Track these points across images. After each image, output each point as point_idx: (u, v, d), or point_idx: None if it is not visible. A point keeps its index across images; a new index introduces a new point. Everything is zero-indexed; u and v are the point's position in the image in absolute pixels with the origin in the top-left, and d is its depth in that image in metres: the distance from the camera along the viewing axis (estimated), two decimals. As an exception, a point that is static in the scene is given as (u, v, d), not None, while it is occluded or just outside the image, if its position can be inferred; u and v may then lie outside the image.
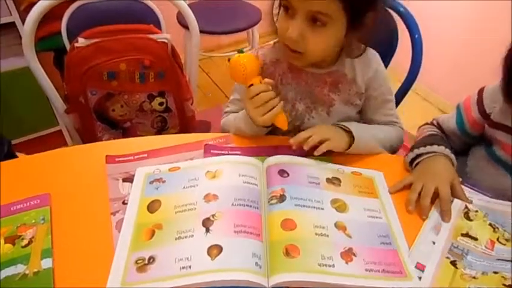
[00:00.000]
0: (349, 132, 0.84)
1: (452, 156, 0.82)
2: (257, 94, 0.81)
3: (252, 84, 0.82)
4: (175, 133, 1.32)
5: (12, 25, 1.58)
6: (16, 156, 0.86)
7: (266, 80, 0.82)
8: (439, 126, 0.95)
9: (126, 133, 1.27)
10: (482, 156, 0.87)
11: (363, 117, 0.96)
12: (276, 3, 0.82)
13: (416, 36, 1.08)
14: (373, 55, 0.91)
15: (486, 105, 0.84)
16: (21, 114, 1.76)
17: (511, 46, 0.74)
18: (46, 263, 0.61)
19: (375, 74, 0.91)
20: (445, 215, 0.72)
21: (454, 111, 0.92)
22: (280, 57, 0.91)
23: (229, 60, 0.78)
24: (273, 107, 0.81)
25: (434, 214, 0.73)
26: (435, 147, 0.82)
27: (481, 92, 0.86)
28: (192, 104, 1.30)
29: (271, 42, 0.95)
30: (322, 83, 0.89)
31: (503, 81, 0.76)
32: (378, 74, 0.91)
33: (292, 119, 0.93)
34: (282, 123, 0.84)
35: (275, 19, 0.83)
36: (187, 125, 1.32)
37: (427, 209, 0.73)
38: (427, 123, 0.98)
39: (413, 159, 0.83)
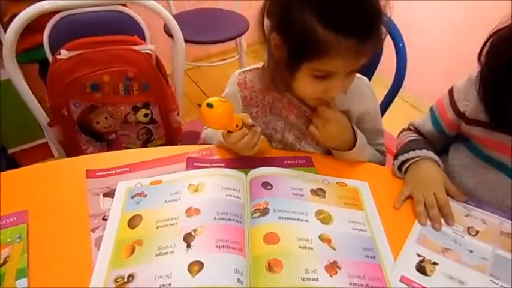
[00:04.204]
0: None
1: (437, 157, 0.83)
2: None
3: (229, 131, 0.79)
4: (162, 144, 1.31)
5: (-5, 37, 1.56)
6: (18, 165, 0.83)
7: (243, 118, 0.78)
8: (417, 130, 0.95)
9: (110, 145, 1.26)
10: (465, 155, 0.86)
11: None
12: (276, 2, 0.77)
13: (400, 45, 1.09)
14: (366, 88, 0.90)
15: (459, 105, 0.84)
16: (7, 127, 1.74)
17: (481, 70, 0.74)
18: (21, 284, 0.59)
19: (367, 109, 0.90)
20: (447, 218, 0.73)
21: (428, 114, 0.93)
22: (269, 86, 0.86)
23: (199, 105, 0.72)
24: (255, 144, 0.80)
25: (416, 226, 0.73)
26: (418, 152, 0.83)
27: (451, 92, 0.86)
28: (178, 115, 1.29)
29: (257, 66, 0.90)
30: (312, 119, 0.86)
31: (483, 102, 0.76)
32: (371, 109, 0.91)
33: (283, 147, 0.92)
34: (265, 149, 0.86)
35: (266, 32, 0.79)
36: (173, 136, 1.31)
37: (439, 217, 0.73)
38: (404, 129, 0.98)
39: (399, 166, 0.84)
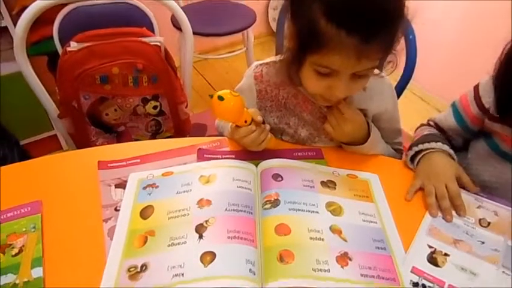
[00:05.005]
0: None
1: (451, 151, 0.83)
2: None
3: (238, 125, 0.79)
4: (170, 136, 1.31)
5: (4, 30, 1.57)
6: (31, 157, 0.84)
7: (253, 115, 0.78)
8: (437, 126, 0.95)
9: (120, 137, 1.26)
10: (483, 149, 0.86)
11: None
12: (273, 4, 0.78)
13: (411, 37, 1.08)
14: (386, 87, 0.88)
15: (484, 100, 0.83)
16: (17, 119, 1.75)
17: (501, 61, 0.75)
18: (36, 272, 0.60)
19: (385, 108, 0.89)
20: (459, 209, 0.73)
21: (449, 109, 0.92)
22: (285, 80, 0.84)
23: (211, 96, 0.72)
24: (261, 141, 0.80)
25: (427, 218, 0.73)
26: (433, 144, 0.83)
27: (476, 88, 0.86)
28: (186, 107, 1.29)
29: (275, 59, 0.89)
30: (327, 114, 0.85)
31: (495, 96, 0.78)
32: (389, 108, 0.90)
33: (295, 142, 0.92)
34: (272, 146, 0.85)
35: (271, 25, 0.78)
36: (182, 128, 1.31)
37: (450, 209, 0.73)
38: (423, 124, 0.98)
39: (412, 157, 0.84)
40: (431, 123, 0.97)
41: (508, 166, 0.81)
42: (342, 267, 0.61)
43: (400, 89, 1.15)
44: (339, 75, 0.69)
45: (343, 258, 0.63)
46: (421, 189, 0.78)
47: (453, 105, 0.92)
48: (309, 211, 0.70)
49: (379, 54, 0.68)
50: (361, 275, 0.61)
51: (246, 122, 0.77)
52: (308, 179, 0.77)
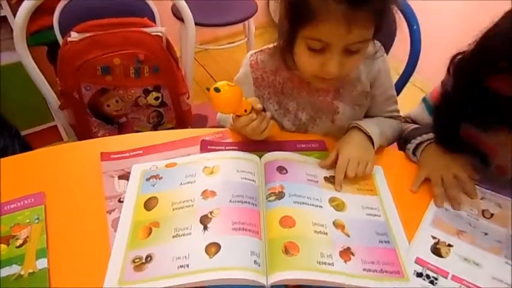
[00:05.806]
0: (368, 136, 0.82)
1: None
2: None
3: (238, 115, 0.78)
4: (172, 128, 1.31)
5: (4, 19, 1.55)
6: (32, 149, 0.84)
7: (253, 103, 0.77)
8: (414, 122, 0.96)
9: (121, 128, 1.26)
10: None
11: (366, 114, 0.94)
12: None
13: (415, 27, 1.07)
14: (376, 50, 0.87)
15: None
16: (16, 110, 1.74)
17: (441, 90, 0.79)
18: (41, 263, 0.61)
19: (378, 72, 0.88)
20: (471, 196, 0.74)
21: (422, 104, 0.93)
22: (280, 66, 0.86)
23: (208, 89, 0.71)
24: (264, 129, 0.80)
25: (431, 209, 0.73)
26: (430, 135, 0.83)
27: (444, 82, 0.86)
28: (188, 98, 1.29)
29: (269, 46, 0.89)
30: (325, 92, 0.87)
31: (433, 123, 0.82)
32: (382, 71, 0.89)
33: (296, 128, 0.92)
34: (275, 133, 0.85)
35: (272, 15, 0.78)
36: (183, 119, 1.31)
37: (458, 198, 0.74)
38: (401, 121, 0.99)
39: (413, 150, 0.84)
40: (408, 119, 0.97)
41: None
42: (345, 262, 0.61)
43: (404, 79, 1.15)
44: (331, 49, 0.69)
45: (346, 253, 0.63)
46: (426, 180, 0.78)
47: (425, 100, 0.93)
48: (313, 205, 0.70)
49: (369, 23, 0.67)
50: (364, 270, 0.61)
51: (245, 111, 0.77)
52: (312, 173, 0.77)
